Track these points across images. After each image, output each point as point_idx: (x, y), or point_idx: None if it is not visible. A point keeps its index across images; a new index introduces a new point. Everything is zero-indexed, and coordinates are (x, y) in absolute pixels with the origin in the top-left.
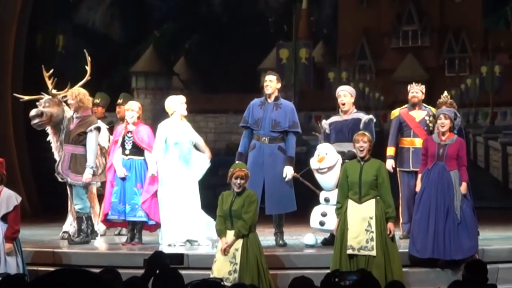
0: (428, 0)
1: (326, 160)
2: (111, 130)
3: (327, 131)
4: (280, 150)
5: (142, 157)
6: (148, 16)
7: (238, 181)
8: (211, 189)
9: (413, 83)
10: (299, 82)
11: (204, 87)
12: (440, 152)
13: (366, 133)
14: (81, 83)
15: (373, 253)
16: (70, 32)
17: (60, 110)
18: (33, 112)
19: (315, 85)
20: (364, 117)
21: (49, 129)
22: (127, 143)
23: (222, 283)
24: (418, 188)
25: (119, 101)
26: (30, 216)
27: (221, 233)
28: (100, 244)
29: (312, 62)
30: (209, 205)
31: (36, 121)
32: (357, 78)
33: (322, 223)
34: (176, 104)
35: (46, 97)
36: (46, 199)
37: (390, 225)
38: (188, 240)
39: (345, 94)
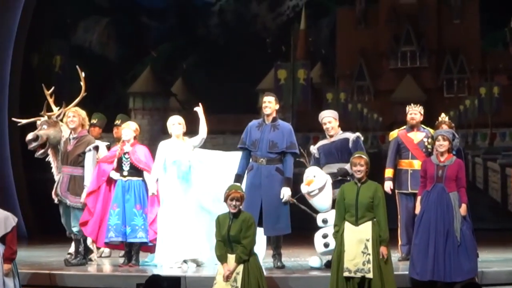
0: (426, 21)
1: (315, 182)
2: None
3: (316, 155)
4: (278, 171)
5: (140, 178)
6: (145, 36)
7: (234, 202)
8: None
9: (412, 104)
10: (297, 102)
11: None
12: (439, 173)
13: (363, 156)
14: (76, 100)
15: (370, 275)
16: (67, 53)
17: (57, 130)
18: (29, 137)
19: (313, 105)
20: (351, 136)
21: (49, 151)
22: (124, 164)
23: None
24: (417, 211)
25: (117, 122)
26: (27, 237)
27: (222, 259)
28: (96, 266)
29: (310, 82)
30: None
31: (33, 145)
32: (355, 99)
33: (326, 245)
34: (169, 124)
35: (42, 119)
36: (42, 220)
37: (382, 248)
38: (185, 261)
39: (330, 120)
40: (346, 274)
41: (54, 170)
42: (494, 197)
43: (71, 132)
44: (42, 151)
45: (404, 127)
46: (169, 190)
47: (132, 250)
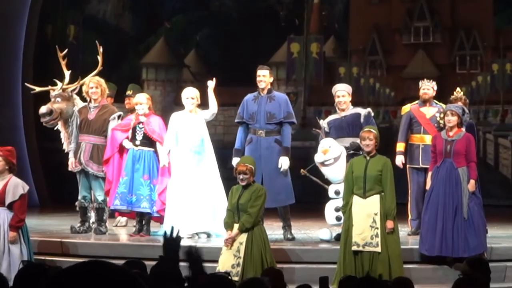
0: None
1: (331, 152)
2: None
3: (326, 129)
4: (277, 143)
5: (152, 149)
6: (159, 8)
7: (241, 176)
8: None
9: (424, 80)
10: (309, 76)
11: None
12: (448, 148)
13: (372, 130)
14: (93, 73)
15: (378, 249)
16: (81, 23)
17: (70, 105)
18: (43, 110)
19: (326, 80)
20: (363, 111)
21: (59, 123)
22: (138, 133)
23: (229, 277)
24: (428, 186)
25: (128, 92)
26: (39, 205)
27: (227, 226)
28: (108, 235)
29: (323, 56)
30: None
31: (46, 119)
32: (367, 73)
33: (338, 218)
34: (183, 97)
35: (56, 91)
36: (55, 189)
37: (388, 222)
38: (196, 233)
39: (343, 94)
40: (354, 248)
41: (64, 140)
42: (504, 174)
43: (90, 101)
44: (52, 122)
45: (417, 101)
46: (180, 162)
47: (143, 220)
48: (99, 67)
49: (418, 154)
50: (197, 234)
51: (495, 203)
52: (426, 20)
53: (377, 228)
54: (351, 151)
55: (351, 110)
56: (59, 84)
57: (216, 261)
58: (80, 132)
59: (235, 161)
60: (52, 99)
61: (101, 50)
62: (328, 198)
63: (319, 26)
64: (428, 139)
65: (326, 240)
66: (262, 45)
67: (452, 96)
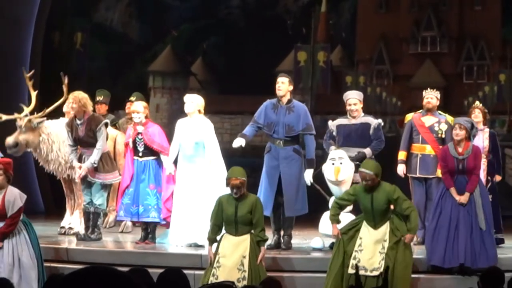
0: (447, 7)
1: (342, 171)
2: (115, 127)
3: (334, 133)
4: (295, 152)
5: (155, 157)
6: (166, 16)
7: (234, 190)
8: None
9: (428, 89)
10: (316, 85)
11: (220, 88)
12: (460, 167)
13: (368, 171)
14: (57, 103)
15: (381, 270)
16: (88, 30)
17: (36, 135)
18: (9, 142)
19: (332, 88)
20: (373, 122)
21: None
22: (138, 145)
23: (233, 286)
24: (457, 197)
25: (132, 98)
26: (44, 212)
27: (211, 242)
28: (113, 242)
29: (330, 65)
30: None
31: (12, 150)
32: (374, 82)
33: None
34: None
35: (21, 121)
36: (60, 195)
37: (408, 236)
38: (192, 244)
39: (355, 102)
40: (361, 272)
41: (39, 159)
42: (510, 184)
43: (75, 118)
44: (19, 153)
45: (421, 111)
46: (178, 170)
47: (148, 228)
48: (64, 97)
49: (416, 164)
50: (194, 244)
51: (502, 214)
52: (433, 30)
53: (384, 253)
54: (357, 162)
55: (362, 118)
56: (25, 109)
57: None
58: (78, 145)
59: (236, 142)
60: (18, 129)
61: (66, 80)
62: (327, 208)
63: (326, 35)
64: (427, 148)
65: (319, 249)
66: (269, 53)
67: (471, 107)
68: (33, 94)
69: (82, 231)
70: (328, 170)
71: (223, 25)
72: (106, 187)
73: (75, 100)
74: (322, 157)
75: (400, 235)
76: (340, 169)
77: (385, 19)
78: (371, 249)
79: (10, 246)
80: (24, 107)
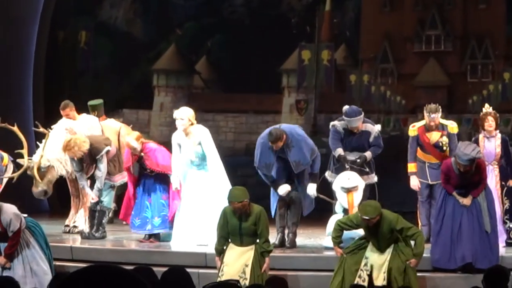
0: (452, 5)
1: (356, 196)
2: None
3: (341, 131)
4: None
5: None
6: (171, 14)
7: (238, 211)
8: None
9: (429, 107)
10: (320, 84)
11: (225, 87)
12: (464, 182)
13: (368, 217)
14: (25, 157)
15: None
16: (92, 29)
17: (51, 170)
18: (38, 194)
19: (336, 87)
20: (374, 130)
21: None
22: (142, 166)
23: (238, 284)
24: (461, 200)
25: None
26: (48, 211)
27: (219, 253)
28: (117, 240)
29: (334, 64)
30: None
31: (46, 197)
32: (378, 81)
33: None
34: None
35: (31, 171)
36: (65, 194)
37: (412, 260)
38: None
39: (357, 125)
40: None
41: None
42: None
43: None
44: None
45: (424, 123)
46: (187, 175)
47: None
48: (25, 147)
49: (426, 170)
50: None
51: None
52: (438, 29)
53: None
54: (358, 167)
55: (363, 127)
56: (9, 166)
57: None
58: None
59: (282, 189)
60: (34, 181)
61: (17, 130)
62: (334, 212)
63: (330, 34)
64: (434, 158)
65: (331, 248)
66: (273, 52)
67: (482, 113)
68: (24, 140)
69: (86, 229)
70: (342, 199)
71: (227, 23)
72: (113, 187)
73: (73, 154)
74: (325, 155)
75: (405, 259)
76: (354, 195)
77: (389, 18)
78: (378, 270)
79: (20, 258)
80: (9, 164)
